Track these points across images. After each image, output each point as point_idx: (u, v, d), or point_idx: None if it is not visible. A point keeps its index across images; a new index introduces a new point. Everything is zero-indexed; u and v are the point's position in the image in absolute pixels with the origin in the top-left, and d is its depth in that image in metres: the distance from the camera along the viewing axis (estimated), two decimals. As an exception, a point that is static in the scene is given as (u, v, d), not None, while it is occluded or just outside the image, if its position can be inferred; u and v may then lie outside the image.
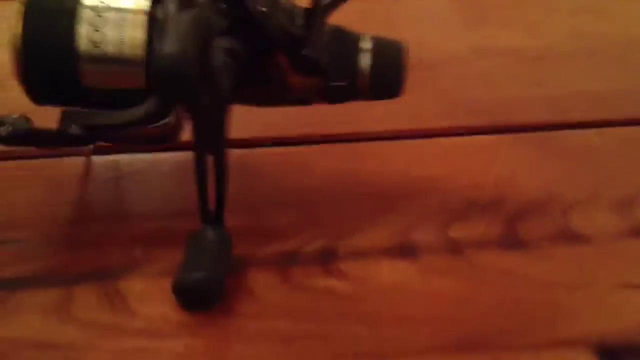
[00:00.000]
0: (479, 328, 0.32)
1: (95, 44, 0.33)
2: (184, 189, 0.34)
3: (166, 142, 0.35)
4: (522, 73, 0.50)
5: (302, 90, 0.35)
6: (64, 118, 0.34)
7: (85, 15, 0.33)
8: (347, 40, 0.36)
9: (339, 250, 0.36)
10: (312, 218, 0.38)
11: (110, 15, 0.33)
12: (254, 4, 0.33)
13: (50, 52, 0.33)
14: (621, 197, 0.39)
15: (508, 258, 0.36)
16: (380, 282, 0.34)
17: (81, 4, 0.33)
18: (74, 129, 0.33)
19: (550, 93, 0.48)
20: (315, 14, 0.34)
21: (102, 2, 0.33)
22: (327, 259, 0.35)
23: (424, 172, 0.41)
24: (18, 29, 0.33)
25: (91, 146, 0.39)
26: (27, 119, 0.33)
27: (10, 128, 0.32)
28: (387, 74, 0.36)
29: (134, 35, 0.33)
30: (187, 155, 0.33)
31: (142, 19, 0.33)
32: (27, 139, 0.33)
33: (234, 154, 0.36)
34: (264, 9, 0.33)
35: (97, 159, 0.40)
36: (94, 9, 0.33)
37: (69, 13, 0.33)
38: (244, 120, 0.34)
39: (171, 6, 0.33)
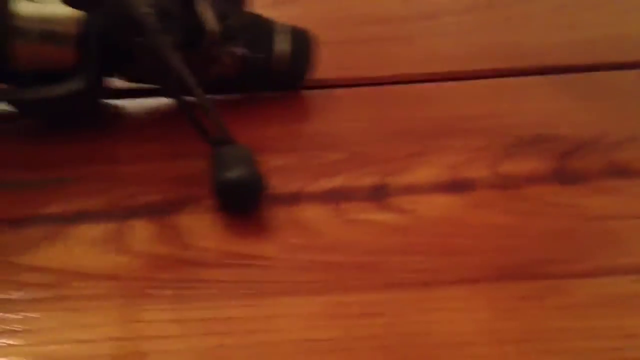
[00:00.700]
0: (529, 257, 0.32)
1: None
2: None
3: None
4: (550, 17, 0.50)
5: (225, 61, 0.38)
6: None
7: None
8: (263, 21, 0.40)
9: (390, 187, 0.36)
10: (361, 157, 0.38)
11: None
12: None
13: None
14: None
15: (558, 191, 0.35)
16: (431, 215, 0.34)
17: None
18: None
19: (585, 36, 0.48)
20: None
21: None
22: (378, 195, 0.35)
23: (470, 112, 0.41)
24: None
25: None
26: None
27: None
28: (300, 53, 0.40)
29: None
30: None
31: None
32: None
33: (279, 97, 0.37)
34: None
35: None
36: None
37: None
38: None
39: None
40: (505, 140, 0.38)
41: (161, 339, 0.28)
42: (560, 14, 0.51)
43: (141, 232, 0.32)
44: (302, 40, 0.40)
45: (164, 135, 0.38)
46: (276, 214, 0.34)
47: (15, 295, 0.29)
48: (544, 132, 0.39)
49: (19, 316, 0.28)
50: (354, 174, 0.36)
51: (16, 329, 0.28)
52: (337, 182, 0.36)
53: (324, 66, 0.42)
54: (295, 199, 0.35)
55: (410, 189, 0.35)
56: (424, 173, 0.36)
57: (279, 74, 0.40)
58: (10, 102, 0.37)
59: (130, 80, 0.39)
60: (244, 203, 0.33)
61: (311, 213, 0.34)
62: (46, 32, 0.34)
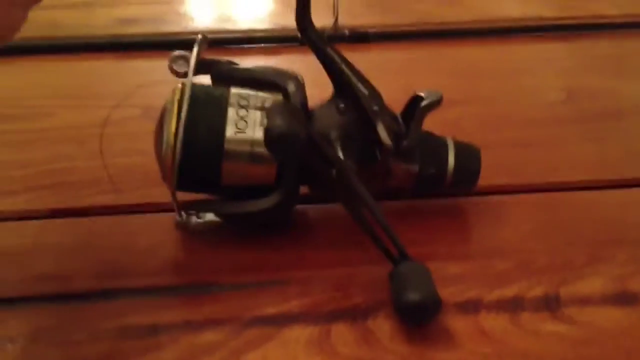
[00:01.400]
0: None
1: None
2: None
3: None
4: None
5: (399, 176, 0.43)
6: (201, 206, 0.42)
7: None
8: (435, 139, 0.44)
9: (562, 297, 0.39)
10: (531, 265, 0.41)
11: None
12: (369, 104, 0.41)
13: (201, 151, 0.40)
14: None
15: None
16: (606, 328, 0.37)
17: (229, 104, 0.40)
18: (210, 217, 0.42)
19: None
20: (415, 115, 0.42)
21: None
22: (551, 305, 0.38)
23: (636, 220, 0.43)
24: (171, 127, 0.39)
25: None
26: None
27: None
28: (470, 168, 0.44)
29: None
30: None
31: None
32: None
33: (448, 203, 0.40)
34: (375, 107, 0.41)
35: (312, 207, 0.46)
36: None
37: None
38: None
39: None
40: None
41: None
42: None
43: (344, 335, 0.37)
44: (470, 155, 0.44)
45: (350, 241, 0.42)
46: (459, 323, 0.37)
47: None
48: None
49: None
50: (526, 283, 0.40)
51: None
52: (511, 291, 0.39)
53: (489, 172, 0.45)
54: (474, 307, 0.38)
55: (583, 300, 0.38)
56: (595, 283, 0.39)
57: (449, 187, 0.44)
58: (218, 213, 0.43)
59: (317, 193, 0.44)
60: (423, 321, 0.37)
61: (491, 322, 0.37)
62: (254, 154, 0.40)
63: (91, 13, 0.71)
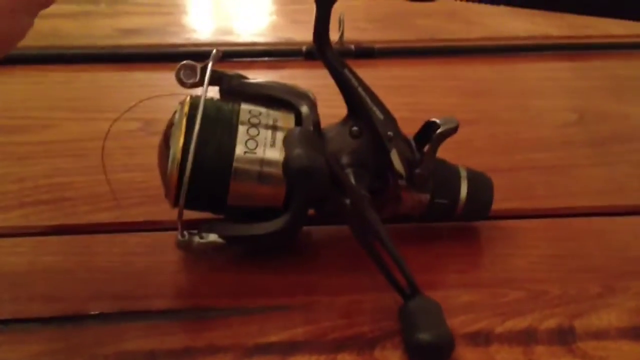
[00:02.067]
0: None
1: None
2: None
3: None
4: None
5: (410, 204, 0.42)
6: (205, 226, 0.40)
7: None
8: (449, 168, 0.43)
9: (577, 330, 0.37)
10: (544, 296, 0.40)
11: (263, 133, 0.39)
12: (384, 130, 0.40)
13: (209, 169, 0.38)
14: None
15: None
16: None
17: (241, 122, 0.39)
18: (213, 237, 0.39)
19: None
20: (431, 143, 0.41)
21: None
22: (566, 338, 0.37)
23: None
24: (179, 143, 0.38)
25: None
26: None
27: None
28: (482, 199, 0.43)
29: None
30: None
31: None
32: None
33: (457, 228, 0.39)
34: (390, 133, 0.41)
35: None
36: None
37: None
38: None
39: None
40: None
41: None
42: None
43: (349, 365, 0.36)
44: (483, 187, 0.43)
45: (356, 266, 0.41)
46: (469, 355, 0.36)
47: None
48: None
49: None
50: (539, 314, 0.38)
51: None
52: (523, 322, 0.38)
53: (500, 194, 0.43)
54: (485, 339, 0.37)
55: (599, 334, 0.37)
56: (610, 316, 0.38)
57: (460, 216, 0.43)
58: (223, 235, 0.40)
59: (323, 215, 0.42)
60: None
61: (503, 356, 0.36)
62: (263, 174, 0.39)
63: (92, 23, 0.70)
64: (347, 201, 0.37)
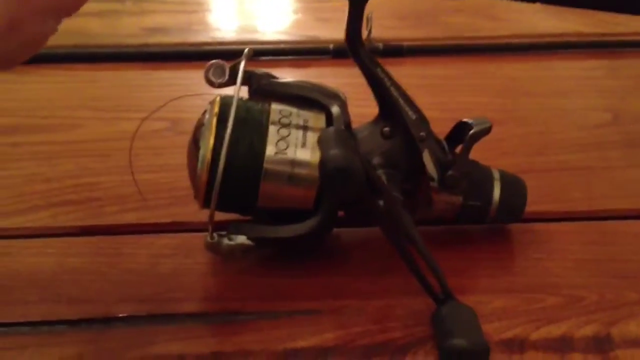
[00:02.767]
0: None
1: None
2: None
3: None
4: None
5: (442, 206, 0.41)
6: (234, 228, 0.39)
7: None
8: (481, 170, 0.42)
9: (614, 338, 0.36)
10: (580, 302, 0.38)
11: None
12: (416, 131, 0.40)
13: (240, 170, 0.37)
14: None
15: None
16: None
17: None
18: (241, 239, 0.39)
19: None
20: (463, 145, 0.40)
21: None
22: (603, 346, 0.36)
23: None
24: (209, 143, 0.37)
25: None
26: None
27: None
28: (515, 202, 0.42)
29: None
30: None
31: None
32: None
33: (490, 230, 0.38)
34: (422, 133, 0.40)
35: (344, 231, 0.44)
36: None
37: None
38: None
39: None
40: None
41: None
42: None
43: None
44: (517, 190, 0.42)
45: (387, 269, 0.40)
46: (504, 362, 0.35)
47: None
48: None
49: None
50: (574, 322, 0.37)
51: None
52: (559, 330, 0.37)
53: (533, 197, 0.42)
54: (520, 346, 0.36)
55: (636, 342, 0.36)
56: (645, 322, 0.37)
57: (493, 219, 0.42)
58: (252, 237, 0.39)
59: (353, 217, 0.42)
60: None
61: (539, 362, 0.35)
62: (293, 176, 0.38)
63: (118, 21, 0.70)
64: (381, 203, 0.36)
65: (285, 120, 0.39)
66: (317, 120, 0.39)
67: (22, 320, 0.37)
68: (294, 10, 0.75)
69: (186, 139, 0.40)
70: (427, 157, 0.40)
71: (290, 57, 0.64)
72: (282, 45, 0.66)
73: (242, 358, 0.36)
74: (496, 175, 0.42)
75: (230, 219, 0.40)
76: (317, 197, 0.39)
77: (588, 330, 0.37)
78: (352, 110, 0.41)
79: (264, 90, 0.41)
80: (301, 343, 0.36)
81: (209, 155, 0.37)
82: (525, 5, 0.73)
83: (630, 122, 0.54)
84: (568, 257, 0.42)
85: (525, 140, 0.52)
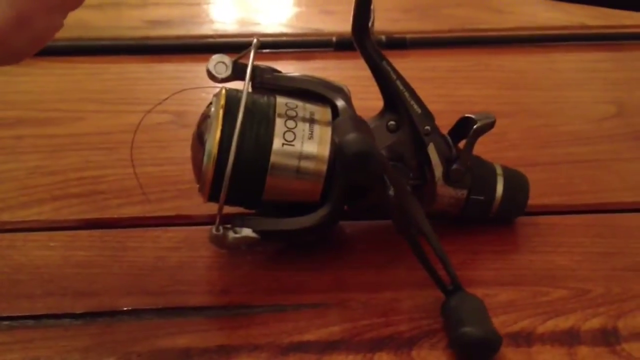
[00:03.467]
0: None
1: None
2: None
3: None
4: None
5: (446, 200, 0.41)
6: (238, 221, 0.39)
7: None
8: (484, 165, 0.42)
9: (621, 331, 0.36)
10: (587, 294, 0.38)
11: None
12: (422, 124, 0.40)
13: (246, 163, 0.37)
14: None
15: None
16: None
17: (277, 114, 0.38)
18: (247, 232, 0.38)
19: None
20: (467, 139, 0.40)
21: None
22: (609, 339, 0.36)
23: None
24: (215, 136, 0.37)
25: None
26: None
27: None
28: (517, 197, 0.42)
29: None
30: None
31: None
32: None
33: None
34: (427, 127, 0.40)
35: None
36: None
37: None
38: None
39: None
40: None
41: None
42: None
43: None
44: (519, 186, 0.42)
45: (392, 261, 0.40)
46: (511, 355, 0.35)
47: None
48: None
49: None
50: (581, 314, 0.37)
51: None
52: (566, 323, 0.37)
53: (538, 190, 0.43)
54: (527, 339, 0.36)
55: (643, 335, 0.36)
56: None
57: (497, 213, 0.42)
58: (257, 230, 0.39)
59: (359, 209, 0.42)
60: (482, 358, 0.35)
61: (546, 356, 0.35)
62: (300, 169, 0.38)
63: (119, 14, 0.69)
64: (391, 193, 0.36)
65: (291, 113, 0.38)
66: (323, 113, 0.39)
67: (27, 313, 0.37)
68: (296, 3, 0.75)
69: (190, 132, 0.39)
70: (432, 151, 0.40)
71: (292, 49, 0.64)
72: (284, 38, 0.66)
73: (248, 351, 0.35)
74: (499, 170, 0.42)
75: (234, 212, 0.40)
76: (324, 189, 0.39)
77: (595, 323, 0.37)
78: (357, 103, 0.40)
79: (267, 84, 0.40)
80: (307, 336, 0.36)
81: (215, 149, 0.37)
82: (528, -4, 0.73)
83: (636, 114, 0.54)
84: (574, 250, 0.42)
85: (531, 133, 0.52)
